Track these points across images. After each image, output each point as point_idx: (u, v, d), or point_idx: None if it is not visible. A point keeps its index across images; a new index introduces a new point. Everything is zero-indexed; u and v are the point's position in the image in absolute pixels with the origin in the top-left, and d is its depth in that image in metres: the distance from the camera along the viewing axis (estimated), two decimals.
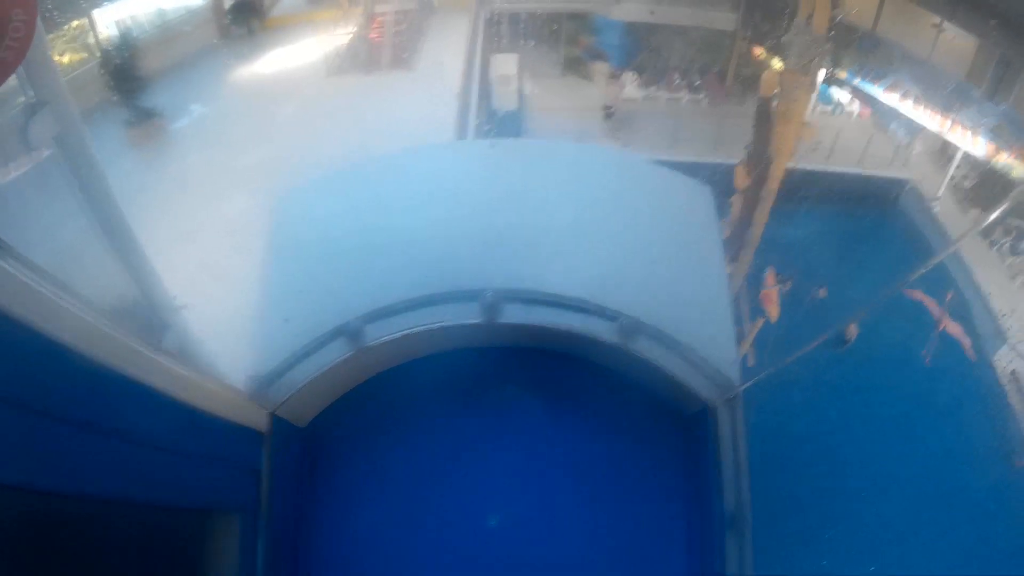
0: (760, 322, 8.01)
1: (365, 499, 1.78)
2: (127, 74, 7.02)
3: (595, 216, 1.84)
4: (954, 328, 8.29)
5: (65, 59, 7.45)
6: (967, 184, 10.95)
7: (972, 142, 9.97)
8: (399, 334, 1.62)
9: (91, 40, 7.60)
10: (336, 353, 1.61)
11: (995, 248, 10.15)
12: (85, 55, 7.54)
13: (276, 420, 1.57)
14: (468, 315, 1.63)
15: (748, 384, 1.66)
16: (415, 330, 1.62)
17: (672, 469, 1.78)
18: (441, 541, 1.77)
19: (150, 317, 1.61)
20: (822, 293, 8.59)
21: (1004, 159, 9.74)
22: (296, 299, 1.66)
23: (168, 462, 1.21)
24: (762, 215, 7.84)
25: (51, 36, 7.22)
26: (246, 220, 1.84)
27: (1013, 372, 8.95)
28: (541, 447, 1.79)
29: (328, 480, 1.76)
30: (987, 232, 10.29)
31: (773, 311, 8.07)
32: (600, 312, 1.63)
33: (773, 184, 7.62)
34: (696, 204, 1.94)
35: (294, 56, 9.52)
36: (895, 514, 6.77)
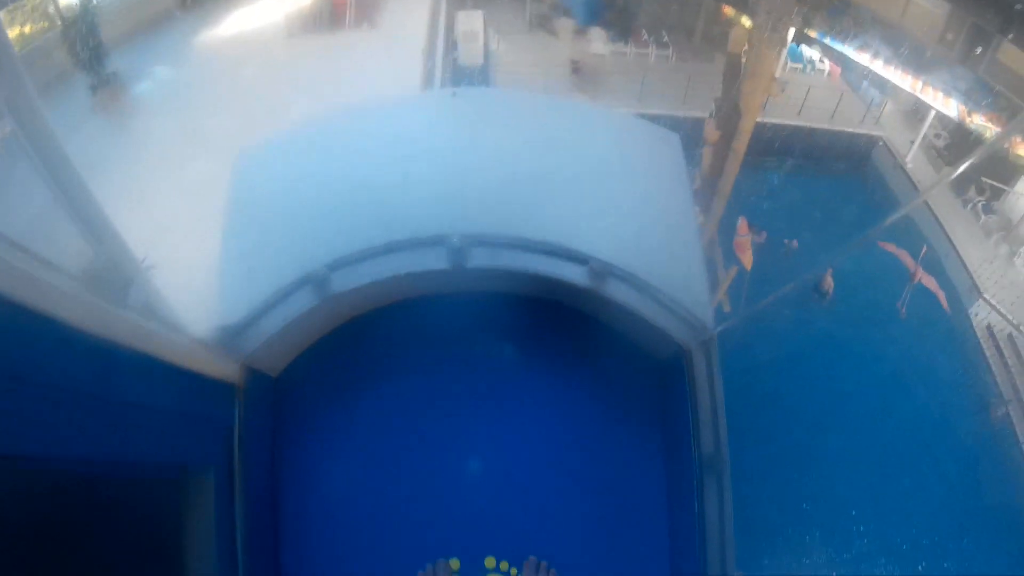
0: (734, 270, 8.09)
1: (339, 449, 1.76)
2: (88, 41, 6.91)
3: (560, 163, 1.81)
4: (929, 281, 8.40)
5: (26, 29, 7.31)
6: (939, 143, 11.07)
7: (944, 103, 10.07)
8: (365, 281, 1.58)
9: (51, 9, 7.46)
10: (303, 302, 1.58)
11: (968, 207, 10.31)
12: (46, 24, 7.41)
13: (247, 371, 1.54)
14: (435, 261, 1.60)
15: (723, 327, 1.66)
16: (381, 277, 1.59)
17: (648, 413, 1.78)
18: (416, 488, 1.76)
19: (113, 276, 1.58)
20: (794, 244, 8.66)
21: (977, 121, 9.86)
22: (261, 251, 1.63)
23: (140, 419, 1.17)
24: (733, 167, 7.90)
25: (11, 7, 7.10)
26: (209, 178, 1.80)
27: (988, 326, 9.11)
28: (514, 393, 1.78)
29: (302, 431, 1.74)
30: (960, 191, 10.45)
31: (747, 260, 8.15)
32: (569, 255, 1.61)
33: (743, 137, 7.68)
34: (663, 150, 1.91)
35: (256, 17, 9.32)
36: (871, 464, 6.89)
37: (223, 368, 1.48)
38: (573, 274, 1.60)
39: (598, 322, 1.80)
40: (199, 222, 1.60)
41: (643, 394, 1.83)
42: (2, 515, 0.92)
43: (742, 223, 8.44)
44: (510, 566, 1.71)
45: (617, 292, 1.61)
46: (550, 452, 1.80)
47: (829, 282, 8.26)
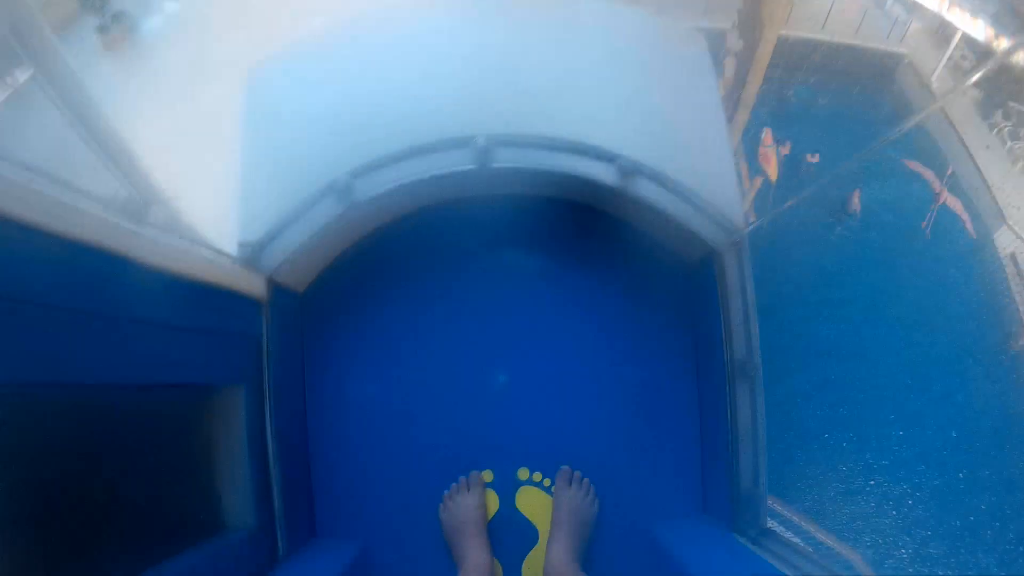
0: (759, 180, 7.99)
1: (367, 362, 1.76)
2: None
3: (586, 60, 1.74)
4: (954, 203, 8.27)
5: None
6: (965, 64, 10.77)
7: (972, 24, 9.76)
8: (390, 187, 1.55)
9: None
10: (327, 212, 1.55)
11: (995, 132, 10.07)
12: None
13: (273, 286, 1.53)
14: (460, 162, 1.57)
15: (754, 226, 1.62)
16: (406, 181, 1.56)
17: (678, 317, 1.76)
18: (446, 399, 1.76)
19: (135, 198, 1.56)
20: (815, 159, 8.53)
21: (1004, 44, 9.57)
22: (282, 163, 1.60)
23: (168, 339, 1.16)
24: (756, 76, 7.72)
25: None
26: (226, 101, 1.77)
27: (1012, 254, 8.98)
28: (542, 298, 1.76)
29: (329, 345, 1.74)
30: (987, 115, 10.21)
31: (772, 171, 8.04)
32: (597, 154, 1.57)
33: (767, 47, 7.48)
34: (690, 48, 1.84)
35: None
36: (889, 383, 6.87)
37: (248, 284, 1.47)
38: (601, 172, 1.56)
39: (626, 224, 1.77)
40: (217, 141, 1.57)
41: (673, 298, 1.81)
42: (28, 443, 0.91)
43: (767, 134, 8.31)
44: (543, 476, 1.72)
45: (645, 191, 1.57)
46: (580, 358, 1.79)
47: (856, 203, 8.14)
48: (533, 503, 1.74)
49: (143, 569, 1.10)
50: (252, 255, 1.51)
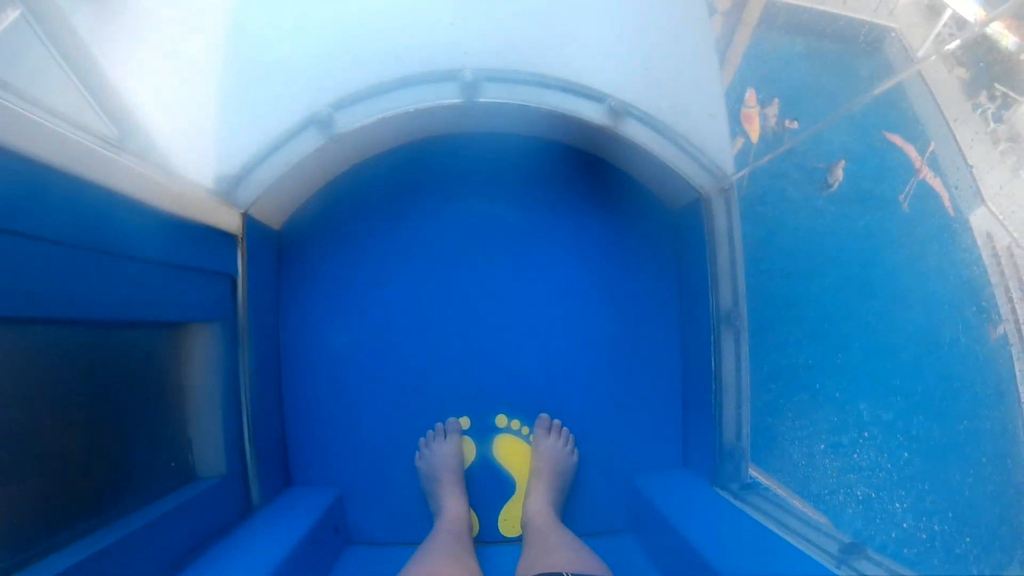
0: (740, 141, 7.99)
1: (345, 301, 1.72)
2: None
3: None
4: (934, 180, 8.34)
5: None
6: (954, 45, 10.77)
7: (961, 2, 9.76)
8: (372, 119, 1.50)
9: None
10: (307, 144, 1.49)
11: (978, 112, 10.13)
12: None
13: (250, 221, 1.48)
14: (446, 96, 1.52)
15: (744, 173, 1.59)
16: (389, 114, 1.50)
17: (664, 263, 1.73)
18: (424, 341, 1.73)
19: (111, 126, 1.50)
20: (794, 124, 8.51)
21: (993, 27, 9.60)
22: (261, 93, 1.54)
23: (139, 272, 1.11)
24: (743, 36, 7.70)
25: None
26: (205, 29, 1.69)
27: (989, 234, 9.09)
28: (526, 241, 1.72)
29: (306, 283, 1.69)
30: (971, 95, 10.25)
31: (754, 131, 8.04)
32: (587, 93, 1.53)
33: (754, 9, 7.46)
34: None
35: None
36: (867, 359, 6.90)
37: (224, 219, 1.42)
38: (590, 112, 1.52)
39: (614, 166, 1.73)
40: (195, 72, 1.51)
41: (659, 243, 1.78)
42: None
43: (750, 94, 8.29)
44: (521, 424, 1.69)
45: (634, 133, 1.53)
46: (562, 304, 1.76)
47: (838, 173, 8.17)
48: (511, 452, 1.71)
49: (112, 519, 1.07)
50: (228, 189, 1.45)
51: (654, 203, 1.75)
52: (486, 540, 1.65)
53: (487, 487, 1.70)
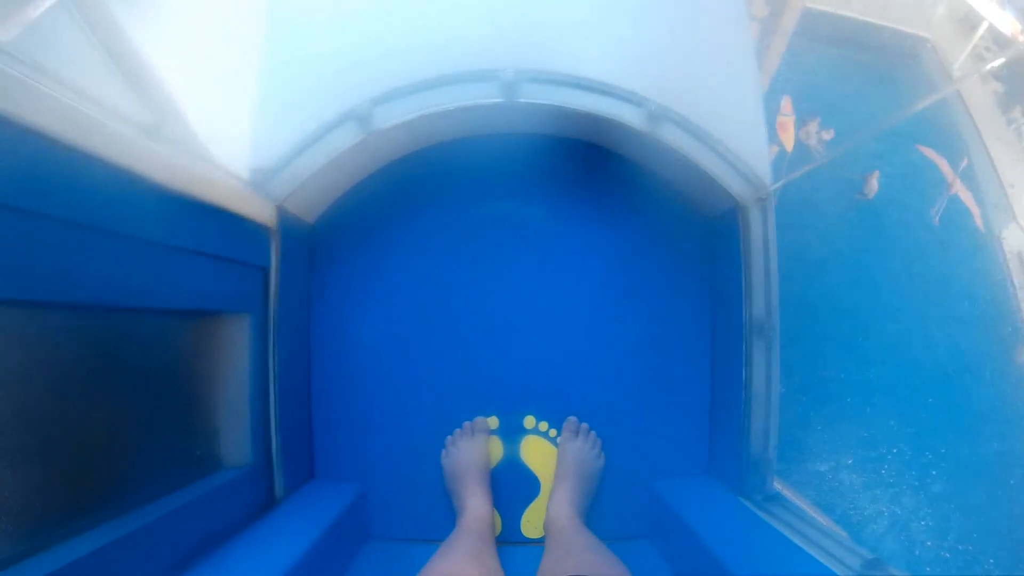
0: (775, 149, 7.91)
1: (376, 297, 1.73)
2: None
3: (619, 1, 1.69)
4: (965, 194, 8.20)
5: None
6: (989, 56, 10.61)
7: (998, 15, 9.60)
8: (411, 116, 1.50)
9: None
10: (345, 139, 1.49)
11: (1012, 127, 9.96)
12: None
13: (283, 214, 1.48)
14: (486, 95, 1.51)
15: (782, 184, 1.57)
16: (428, 111, 1.50)
17: (697, 271, 1.71)
18: (455, 341, 1.73)
19: (148, 116, 1.51)
20: (829, 135, 8.41)
21: None
22: (300, 86, 1.54)
23: (171, 260, 1.12)
24: (779, 45, 7.63)
25: None
26: (247, 21, 1.70)
27: (1019, 253, 8.92)
28: (559, 243, 1.72)
29: (338, 278, 1.70)
30: (1006, 109, 10.09)
31: (788, 140, 7.96)
32: (626, 97, 1.51)
33: (791, 16, 7.38)
34: None
35: None
36: (899, 375, 6.78)
37: (258, 210, 1.42)
38: (629, 115, 1.50)
39: (650, 171, 1.72)
40: (235, 63, 1.51)
41: (693, 250, 1.76)
42: (16, 368, 0.85)
43: (786, 102, 8.21)
44: (549, 426, 1.69)
45: (672, 138, 1.52)
46: (593, 307, 1.75)
47: (873, 185, 8.04)
48: (537, 453, 1.71)
49: (135, 506, 1.07)
50: (264, 181, 1.46)
51: (689, 210, 1.73)
52: (509, 540, 1.65)
53: (512, 487, 1.69)
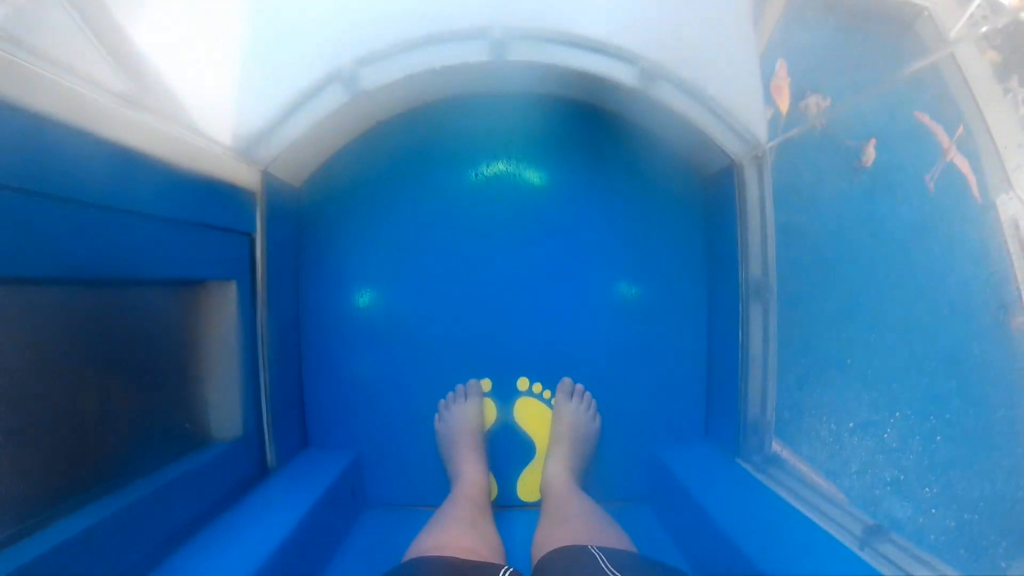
0: (770, 112, 7.87)
1: (366, 261, 1.70)
2: None
3: None
4: (962, 162, 8.15)
5: None
6: (987, 26, 10.49)
7: None
8: (398, 76, 1.46)
9: None
10: (330, 101, 1.46)
11: (1008, 96, 9.87)
12: None
13: (269, 178, 1.45)
14: (474, 54, 1.47)
15: (777, 141, 1.53)
16: (415, 71, 1.46)
17: (692, 231, 1.69)
18: (447, 303, 1.71)
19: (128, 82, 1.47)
20: (826, 102, 8.35)
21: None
22: (284, 49, 1.50)
23: (155, 230, 1.08)
24: (774, 10, 7.56)
25: None
26: None
27: (1016, 221, 8.88)
28: (550, 202, 1.69)
29: (325, 243, 1.67)
30: (1002, 79, 9.99)
31: (783, 103, 7.91)
32: (619, 54, 1.47)
33: None
34: None
35: None
36: (903, 337, 6.73)
37: (243, 176, 1.39)
38: (621, 74, 1.46)
39: (643, 129, 1.68)
40: (216, 25, 1.47)
41: (687, 210, 1.74)
42: (7, 339, 0.84)
43: (781, 65, 8.14)
44: (543, 388, 1.67)
45: (666, 96, 1.48)
46: (587, 268, 1.72)
47: (870, 153, 7.99)
48: (532, 415, 1.69)
49: (126, 481, 1.05)
50: (248, 145, 1.42)
51: (684, 169, 1.70)
52: (505, 505, 1.64)
53: (507, 451, 1.68)
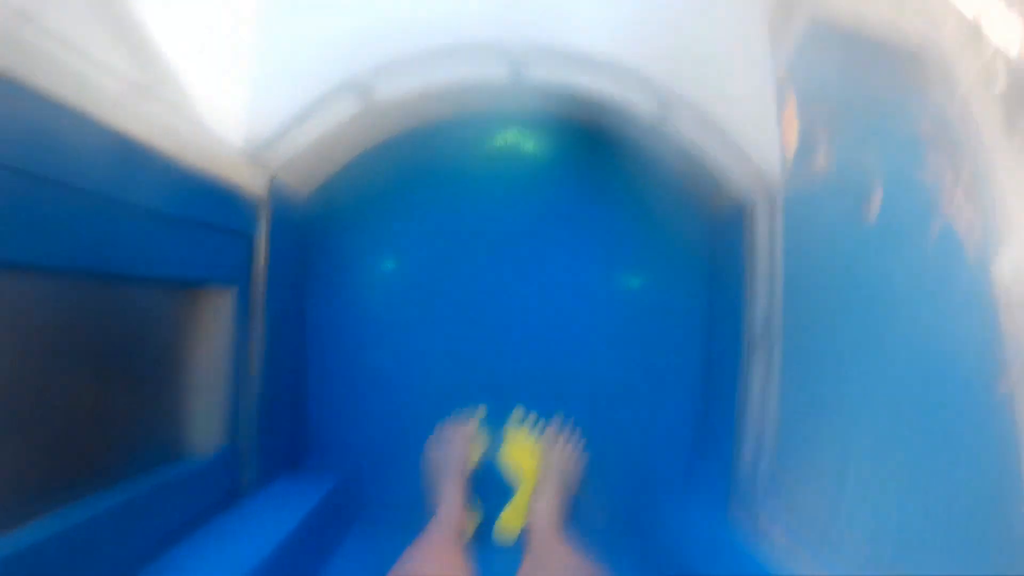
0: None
1: (369, 278, 1.68)
2: None
3: None
4: (965, 206, 8.20)
5: None
6: (997, 70, 10.55)
7: (1008, 28, 9.55)
8: (415, 89, 1.44)
9: None
10: (342, 111, 1.44)
11: (1018, 138, 9.91)
12: None
13: (276, 185, 1.42)
14: (492, 70, 1.45)
15: (792, 183, 1.51)
16: (432, 86, 1.44)
17: (695, 269, 1.66)
18: (445, 323, 1.69)
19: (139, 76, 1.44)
20: (834, 143, 8.36)
21: None
22: (299, 54, 1.48)
23: (158, 228, 1.04)
24: (787, 46, 7.60)
25: None
26: None
27: (1013, 274, 8.88)
28: (554, 229, 1.69)
29: (332, 254, 1.65)
30: (1010, 122, 10.02)
31: (791, 140, 7.93)
32: (637, 80, 1.45)
33: (798, 20, 7.34)
34: None
35: None
36: (888, 387, 6.70)
37: (250, 180, 1.36)
38: (637, 100, 1.44)
39: (655, 160, 1.65)
40: (238, 23, 1.45)
41: (693, 247, 1.70)
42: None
43: (790, 101, 8.17)
44: (537, 419, 1.64)
45: (682, 127, 1.45)
46: (587, 300, 1.70)
47: (876, 195, 8.01)
48: (521, 449, 1.67)
49: (97, 490, 0.96)
50: (258, 149, 1.39)
51: (695, 203, 1.67)
52: (484, 541, 1.61)
53: (492, 487, 1.65)
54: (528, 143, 1.66)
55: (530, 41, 1.43)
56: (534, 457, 1.66)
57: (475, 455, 1.64)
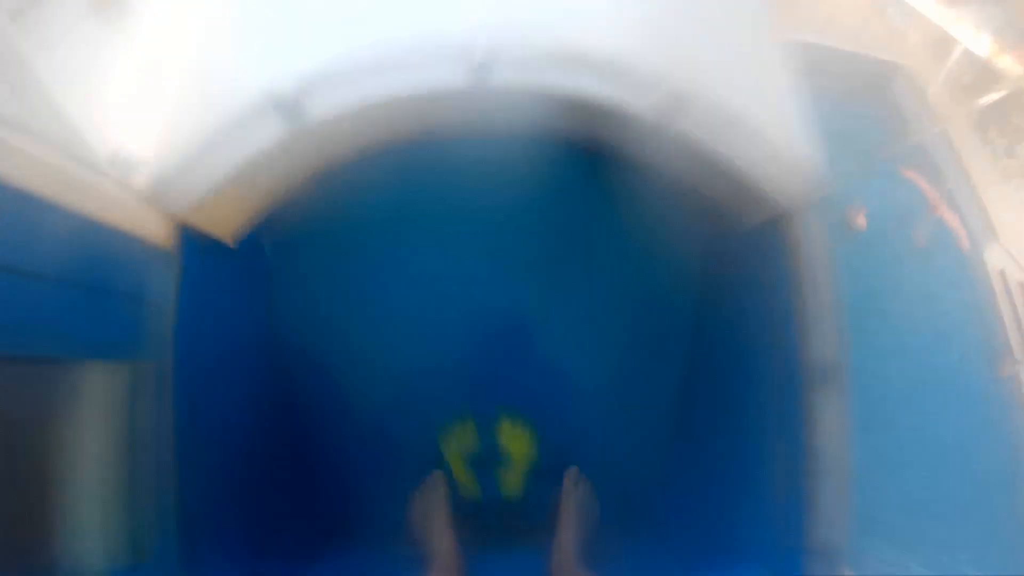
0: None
1: (330, 332, 1.49)
2: None
3: None
4: (950, 217, 8.11)
5: None
6: (965, 80, 10.62)
7: (974, 38, 9.62)
8: (352, 106, 1.13)
9: None
10: (265, 136, 1.13)
11: (989, 147, 9.93)
12: None
13: (186, 232, 1.11)
14: (448, 78, 1.14)
15: (832, 187, 1.22)
16: (375, 101, 1.13)
17: (720, 298, 1.43)
18: (415, 381, 1.53)
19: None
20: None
21: (1006, 61, 9.49)
22: (213, 67, 1.18)
23: (28, 291, 0.81)
24: None
25: None
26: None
27: (1002, 272, 8.82)
28: (544, 272, 1.50)
29: (276, 309, 1.43)
30: (982, 128, 10.05)
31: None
32: (630, 78, 1.15)
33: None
34: None
35: None
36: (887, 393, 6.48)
37: (149, 226, 1.08)
38: (634, 103, 1.14)
39: (660, 172, 1.32)
40: (126, 31, 1.18)
41: (717, 276, 1.44)
42: None
43: None
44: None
45: (690, 129, 1.16)
46: (591, 358, 1.54)
47: (861, 221, 7.95)
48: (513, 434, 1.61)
49: None
50: (158, 188, 1.09)
51: (713, 218, 1.39)
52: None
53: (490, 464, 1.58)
54: (501, 162, 1.38)
55: (496, 40, 1.12)
56: (523, 441, 1.62)
57: (446, 501, 1.60)
